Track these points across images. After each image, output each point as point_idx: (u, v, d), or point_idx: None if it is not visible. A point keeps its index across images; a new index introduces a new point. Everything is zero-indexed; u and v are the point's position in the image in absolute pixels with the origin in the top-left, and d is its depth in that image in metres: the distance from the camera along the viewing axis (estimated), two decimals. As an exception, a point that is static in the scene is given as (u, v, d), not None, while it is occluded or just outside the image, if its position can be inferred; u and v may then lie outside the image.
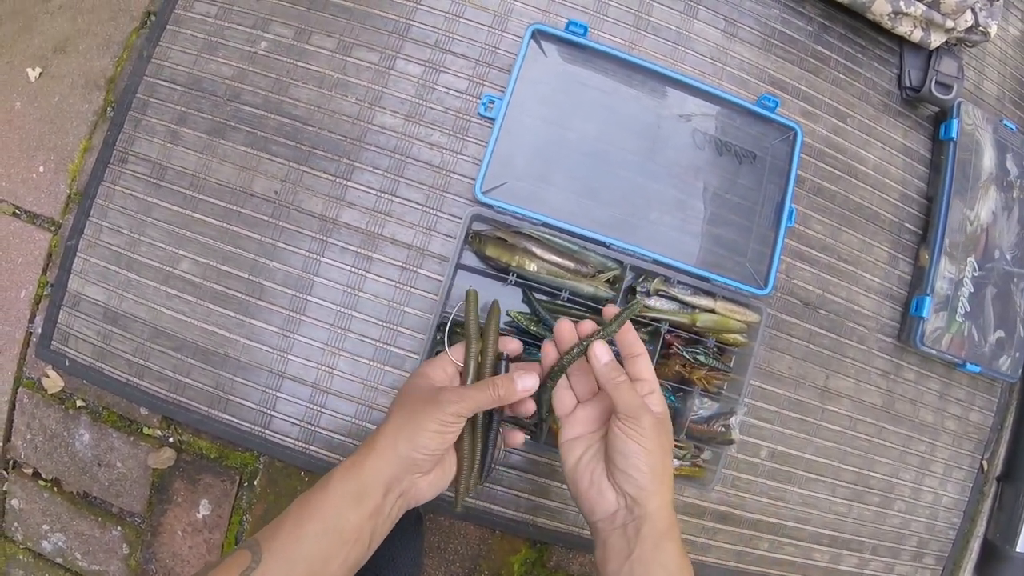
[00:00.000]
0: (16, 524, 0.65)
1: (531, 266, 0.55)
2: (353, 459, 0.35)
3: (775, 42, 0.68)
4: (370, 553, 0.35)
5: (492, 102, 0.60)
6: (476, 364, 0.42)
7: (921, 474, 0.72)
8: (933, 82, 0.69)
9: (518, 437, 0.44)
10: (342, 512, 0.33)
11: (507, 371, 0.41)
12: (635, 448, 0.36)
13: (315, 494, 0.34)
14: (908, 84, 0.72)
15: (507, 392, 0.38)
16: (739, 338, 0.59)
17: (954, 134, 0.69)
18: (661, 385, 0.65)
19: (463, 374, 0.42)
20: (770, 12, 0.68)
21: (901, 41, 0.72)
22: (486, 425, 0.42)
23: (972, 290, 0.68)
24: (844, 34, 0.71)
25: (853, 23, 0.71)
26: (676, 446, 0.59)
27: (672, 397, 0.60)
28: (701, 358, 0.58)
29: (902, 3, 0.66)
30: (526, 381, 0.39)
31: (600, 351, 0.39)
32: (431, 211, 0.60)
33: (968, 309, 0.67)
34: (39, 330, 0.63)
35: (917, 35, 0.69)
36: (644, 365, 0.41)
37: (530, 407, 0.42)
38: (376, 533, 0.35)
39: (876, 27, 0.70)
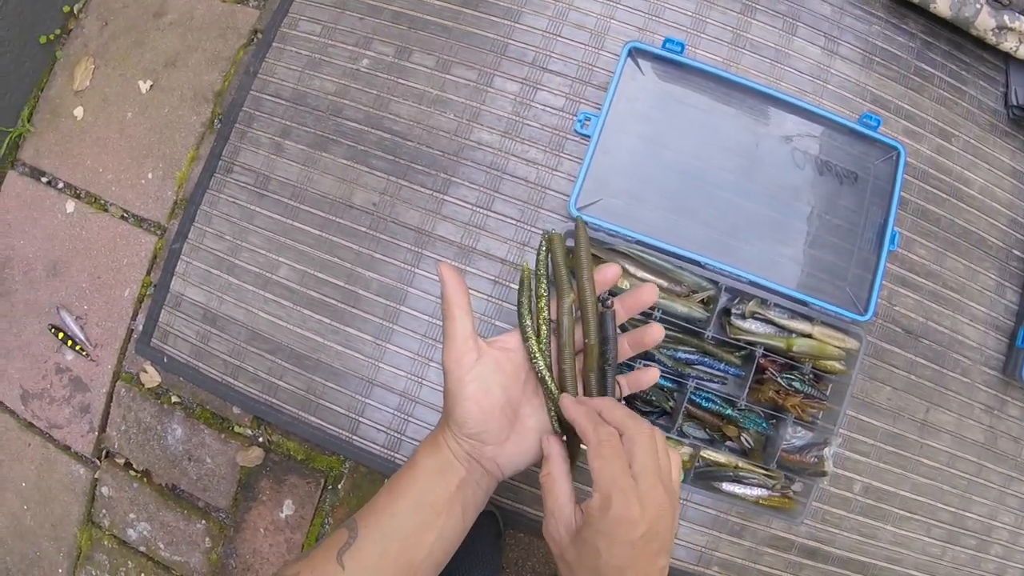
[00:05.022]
0: (104, 511, 0.68)
1: (624, 284, 0.55)
2: (433, 436, 0.36)
3: (876, 59, 0.65)
4: (467, 526, 0.35)
5: (588, 119, 0.60)
6: (571, 323, 0.34)
7: (1021, 517, 0.67)
8: (1043, 102, 0.66)
9: (652, 373, 0.36)
10: (429, 487, 0.34)
11: (614, 324, 0.34)
12: None
13: (404, 473, 0.35)
14: (1015, 103, 0.68)
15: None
16: (836, 365, 0.57)
17: (1067, 157, 0.65)
18: (752, 412, 0.58)
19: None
20: (871, 28, 0.66)
21: (1007, 58, 0.68)
22: (600, 364, 0.34)
23: (1084, 323, 0.63)
24: (947, 51, 0.68)
25: (956, 39, 0.68)
26: (766, 474, 0.57)
27: (765, 424, 0.58)
28: (796, 384, 0.56)
29: (1006, 17, 0.63)
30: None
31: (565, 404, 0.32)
32: (525, 226, 0.61)
33: (1080, 343, 0.63)
34: (140, 328, 0.66)
35: (1023, 51, 0.65)
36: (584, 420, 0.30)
37: (657, 335, 0.35)
38: (468, 505, 0.34)
39: (980, 43, 0.67)
